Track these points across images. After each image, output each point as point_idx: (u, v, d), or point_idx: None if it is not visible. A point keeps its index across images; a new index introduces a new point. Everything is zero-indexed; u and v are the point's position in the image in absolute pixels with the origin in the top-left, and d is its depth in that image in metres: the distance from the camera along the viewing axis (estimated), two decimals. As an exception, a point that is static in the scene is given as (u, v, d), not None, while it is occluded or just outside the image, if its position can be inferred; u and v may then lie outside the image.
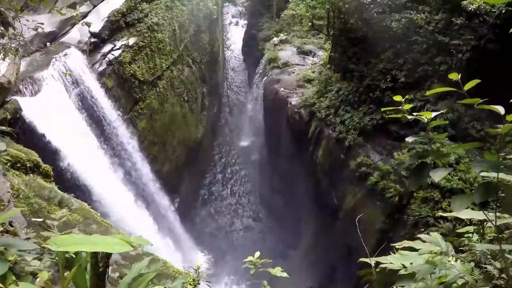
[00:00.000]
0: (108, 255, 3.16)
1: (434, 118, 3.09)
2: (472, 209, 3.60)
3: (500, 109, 2.75)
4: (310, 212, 27.75)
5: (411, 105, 3.37)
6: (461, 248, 4.49)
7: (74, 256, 3.73)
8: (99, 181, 19.19)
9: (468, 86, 2.87)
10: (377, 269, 3.67)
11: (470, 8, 16.13)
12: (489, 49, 16.33)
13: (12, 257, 3.38)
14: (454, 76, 2.94)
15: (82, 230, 8.86)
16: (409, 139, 3.43)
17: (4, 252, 3.24)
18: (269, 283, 5.43)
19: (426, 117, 3.06)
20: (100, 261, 3.13)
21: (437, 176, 2.82)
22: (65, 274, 3.35)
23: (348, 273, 21.01)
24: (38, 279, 3.32)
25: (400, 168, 18.30)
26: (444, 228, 14.11)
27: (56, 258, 4.08)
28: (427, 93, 3.95)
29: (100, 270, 3.17)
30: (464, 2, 16.30)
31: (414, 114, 3.16)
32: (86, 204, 11.34)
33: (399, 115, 3.31)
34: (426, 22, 18.36)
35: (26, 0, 6.86)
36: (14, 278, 3.30)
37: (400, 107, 3.33)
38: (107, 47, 22.34)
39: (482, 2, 15.51)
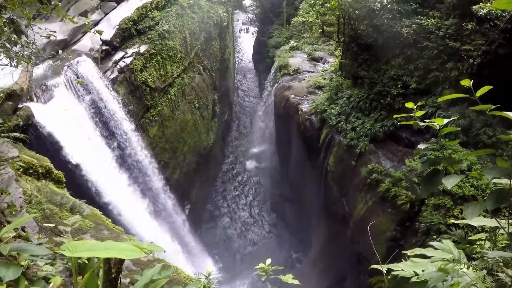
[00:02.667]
0: (121, 261, 3.18)
1: (446, 125, 3.08)
2: (484, 216, 3.57)
3: (513, 115, 2.74)
4: (321, 219, 27.64)
5: (423, 112, 3.36)
6: (473, 255, 4.44)
7: (86, 261, 3.75)
8: (108, 184, 19.36)
9: (480, 92, 2.85)
10: (389, 277, 3.65)
11: (480, 13, 16.04)
12: (500, 54, 16.22)
13: (25, 262, 3.41)
14: (466, 83, 2.93)
15: (94, 236, 8.90)
16: (421, 146, 3.41)
17: (17, 257, 3.27)
18: (279, 290, 5.43)
19: (438, 124, 3.05)
20: (113, 267, 3.14)
21: (450, 183, 2.80)
22: (78, 279, 3.37)
23: (358, 282, 20.88)
24: (50, 284, 3.34)
25: (412, 175, 18.20)
26: (456, 236, 14.00)
27: (69, 263, 4.11)
28: (439, 99, 3.94)
29: (113, 276, 3.18)
30: (475, 7, 16.22)
31: (426, 121, 3.14)
32: (97, 210, 11.41)
33: (411, 122, 3.30)
34: (437, 28, 18.30)
35: (38, 8, 6.92)
36: (26, 283, 3.32)
37: (411, 114, 3.32)
38: (118, 55, 22.53)
39: (492, 6, 15.42)
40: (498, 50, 16.32)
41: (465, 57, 17.21)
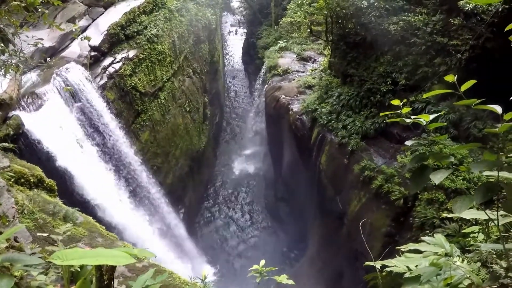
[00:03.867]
0: (112, 268, 3.17)
1: (433, 120, 3.10)
2: (477, 208, 3.60)
3: (498, 108, 2.75)
4: (316, 218, 27.69)
5: (409, 109, 3.38)
6: (468, 248, 4.48)
7: (79, 269, 3.74)
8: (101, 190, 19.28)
9: (465, 87, 2.87)
10: (383, 273, 3.67)
11: (467, 8, 16.15)
12: (488, 48, 16.34)
13: (18, 272, 3.40)
14: (450, 78, 2.95)
15: (88, 243, 8.86)
16: (408, 143, 3.43)
17: (10, 268, 3.25)
18: (276, 291, 5.45)
19: (424, 120, 3.07)
20: (105, 274, 3.13)
21: (437, 178, 2.81)
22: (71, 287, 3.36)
23: (356, 279, 20.93)
24: (44, 294, 3.33)
25: (404, 171, 18.29)
26: (450, 229, 14.10)
27: (62, 272, 4.10)
28: (424, 95, 3.99)
29: (105, 283, 3.17)
30: (461, 2, 16.32)
31: (412, 117, 3.16)
32: (91, 218, 11.35)
33: (397, 119, 3.32)
34: (424, 24, 18.42)
35: (25, 16, 6.89)
36: (20, 293, 3.31)
37: (399, 111, 3.34)
38: (107, 60, 22.42)
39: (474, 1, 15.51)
40: (485, 44, 16.45)
41: (453, 52, 17.32)
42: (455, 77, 2.94)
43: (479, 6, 15.83)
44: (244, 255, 32.70)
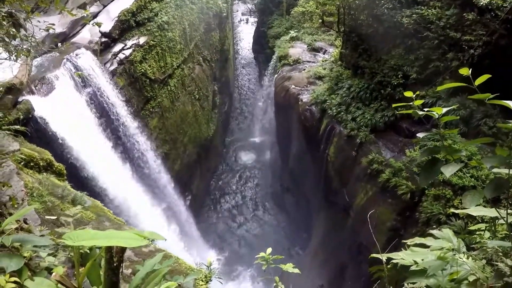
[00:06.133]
0: (122, 250, 3.20)
1: (446, 114, 3.08)
2: (484, 206, 3.59)
3: (512, 104, 2.73)
4: (321, 210, 27.71)
5: (422, 101, 3.36)
6: (473, 245, 4.46)
7: (88, 251, 3.78)
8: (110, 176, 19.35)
9: (479, 81, 2.85)
10: (388, 266, 3.68)
11: (481, 3, 15.98)
12: (501, 45, 16.18)
13: (27, 253, 3.44)
14: (465, 72, 2.93)
15: (96, 227, 8.93)
16: (420, 135, 3.42)
17: (20, 248, 3.29)
18: (280, 280, 5.46)
19: (437, 113, 3.05)
20: (115, 256, 3.16)
21: (448, 171, 2.81)
22: (80, 269, 3.40)
23: (358, 271, 20.99)
24: (53, 274, 3.37)
25: (412, 165, 18.23)
26: (456, 226, 14.06)
27: (71, 254, 4.14)
28: (438, 88, 3.95)
29: (115, 265, 3.20)
30: (476, -3, 16.17)
31: (425, 109, 3.15)
32: (99, 202, 11.43)
33: (410, 111, 3.30)
34: (437, 18, 18.25)
35: (36, 1, 6.91)
36: (29, 273, 3.35)
37: (411, 103, 3.32)
38: (117, 47, 22.44)
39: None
40: (499, 40, 16.28)
41: (466, 47, 17.16)
42: (470, 71, 2.92)
43: (494, 2, 15.66)
44: (249, 243, 32.82)
